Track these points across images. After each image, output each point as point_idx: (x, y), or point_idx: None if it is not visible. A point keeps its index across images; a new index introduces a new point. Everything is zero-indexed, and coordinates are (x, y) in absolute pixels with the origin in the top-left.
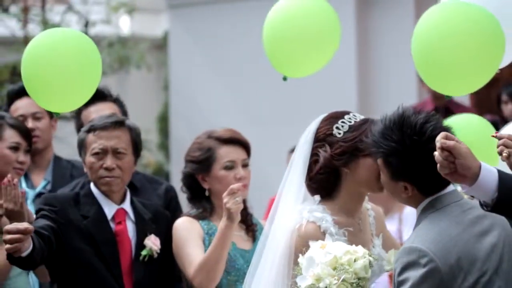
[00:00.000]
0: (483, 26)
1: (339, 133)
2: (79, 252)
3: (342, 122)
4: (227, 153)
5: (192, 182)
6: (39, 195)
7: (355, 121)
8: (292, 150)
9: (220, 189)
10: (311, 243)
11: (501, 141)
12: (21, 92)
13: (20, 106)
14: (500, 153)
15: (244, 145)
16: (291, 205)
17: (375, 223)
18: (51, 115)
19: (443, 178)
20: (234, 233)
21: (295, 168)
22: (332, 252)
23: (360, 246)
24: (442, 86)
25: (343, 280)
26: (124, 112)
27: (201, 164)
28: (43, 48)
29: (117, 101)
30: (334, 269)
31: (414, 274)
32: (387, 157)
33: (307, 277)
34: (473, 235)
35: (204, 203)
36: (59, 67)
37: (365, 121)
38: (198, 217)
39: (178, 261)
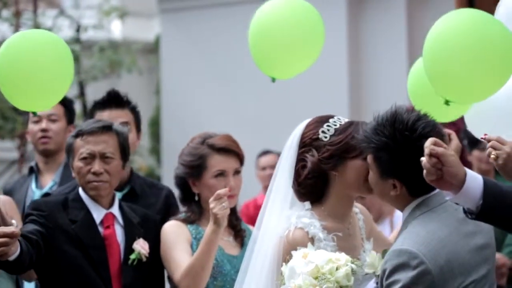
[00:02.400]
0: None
1: (326, 137)
2: (68, 257)
3: (328, 125)
4: (218, 162)
5: (183, 184)
6: (45, 195)
7: (340, 124)
8: (261, 154)
9: (209, 196)
10: (293, 252)
11: (489, 144)
12: None
13: None
14: (489, 155)
15: (237, 154)
16: (278, 210)
17: (365, 226)
18: (69, 120)
19: None
20: (222, 238)
21: (281, 174)
22: (314, 261)
23: (343, 254)
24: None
25: None
26: (138, 122)
27: (192, 169)
28: (16, 49)
29: (133, 110)
30: (316, 278)
31: (404, 276)
32: (377, 152)
33: (287, 284)
34: (461, 237)
35: (193, 206)
36: (31, 66)
37: (350, 124)
38: (187, 221)
39: (165, 264)
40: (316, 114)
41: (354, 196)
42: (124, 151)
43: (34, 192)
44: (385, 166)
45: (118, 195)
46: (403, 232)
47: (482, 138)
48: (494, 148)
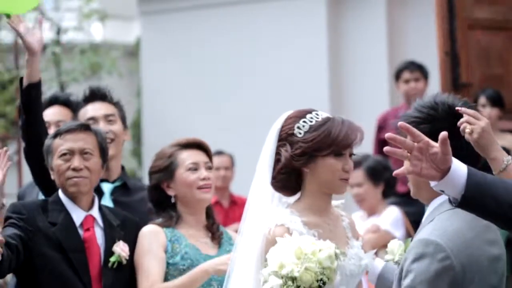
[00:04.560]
0: None
1: (300, 133)
2: (48, 260)
3: (304, 121)
4: (188, 156)
5: (157, 194)
6: None
7: (316, 121)
8: (214, 154)
9: (185, 192)
10: (278, 238)
11: (464, 118)
12: (51, 102)
13: (47, 114)
14: (463, 130)
15: (205, 149)
16: (260, 207)
17: (351, 229)
18: None
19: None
20: (199, 240)
21: (262, 169)
22: (297, 243)
23: (328, 241)
24: None
25: (307, 269)
26: (123, 117)
27: (164, 171)
28: None
29: (117, 105)
30: (298, 259)
31: (427, 267)
32: (418, 125)
33: (271, 265)
34: (484, 243)
35: (171, 211)
36: None
37: (325, 121)
38: (163, 225)
39: (136, 270)
40: None
41: (328, 193)
42: (103, 150)
43: None
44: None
45: (110, 187)
46: (428, 225)
47: (457, 111)
48: (469, 123)
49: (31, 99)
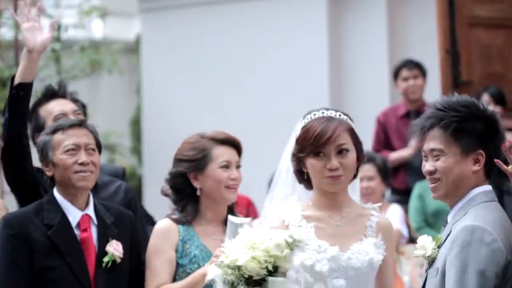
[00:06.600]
0: None
1: (297, 135)
2: (46, 269)
3: (302, 123)
4: (223, 153)
5: (181, 182)
6: None
7: (308, 122)
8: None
9: (213, 188)
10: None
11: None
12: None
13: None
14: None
15: (238, 147)
16: (279, 201)
17: (375, 229)
18: None
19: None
20: (211, 236)
21: (283, 166)
22: (251, 235)
23: (284, 231)
24: None
25: (254, 258)
26: (84, 113)
27: (195, 162)
28: None
29: (76, 101)
30: (249, 249)
31: (477, 252)
32: (461, 124)
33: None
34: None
35: (189, 207)
36: None
37: (310, 122)
38: (179, 221)
39: (145, 265)
40: (297, 113)
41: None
42: (100, 147)
43: None
44: (470, 138)
45: None
46: (465, 216)
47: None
48: None
49: (18, 99)
